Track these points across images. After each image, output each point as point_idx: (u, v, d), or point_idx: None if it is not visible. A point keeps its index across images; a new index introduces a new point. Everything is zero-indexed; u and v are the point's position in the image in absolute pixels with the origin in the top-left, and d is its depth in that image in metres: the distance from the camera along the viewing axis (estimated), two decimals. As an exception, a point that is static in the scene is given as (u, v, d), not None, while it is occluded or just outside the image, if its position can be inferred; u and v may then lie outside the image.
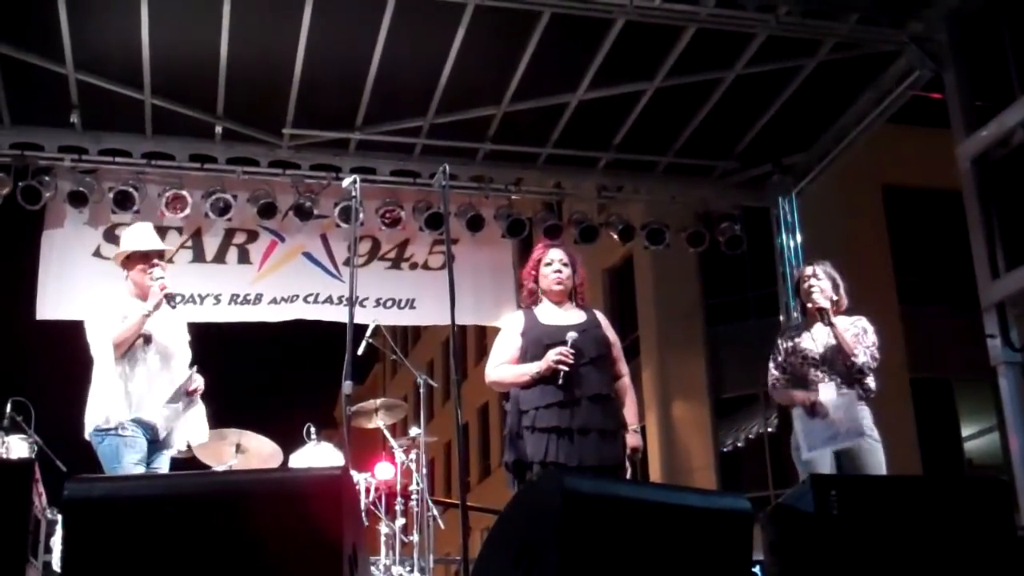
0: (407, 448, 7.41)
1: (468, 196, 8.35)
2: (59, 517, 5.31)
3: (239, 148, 7.82)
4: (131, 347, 5.08)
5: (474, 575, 3.79)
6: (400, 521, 7.23)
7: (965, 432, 17.52)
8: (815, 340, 5.33)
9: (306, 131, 7.74)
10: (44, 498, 4.09)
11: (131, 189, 7.61)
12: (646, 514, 3.36)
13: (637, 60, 7.20)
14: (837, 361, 5.24)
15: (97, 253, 7.79)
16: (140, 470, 4.97)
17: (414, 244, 8.54)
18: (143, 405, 5.05)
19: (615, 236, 8.67)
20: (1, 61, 6.85)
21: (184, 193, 7.74)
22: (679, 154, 8.30)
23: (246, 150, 7.85)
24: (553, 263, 4.87)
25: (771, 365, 5.49)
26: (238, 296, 8.19)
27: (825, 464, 5.16)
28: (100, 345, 5.10)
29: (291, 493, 3.19)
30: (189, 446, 5.47)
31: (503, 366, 4.79)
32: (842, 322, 5.32)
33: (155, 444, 5.14)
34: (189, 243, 8.13)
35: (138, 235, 5.41)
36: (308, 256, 8.36)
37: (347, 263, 7.71)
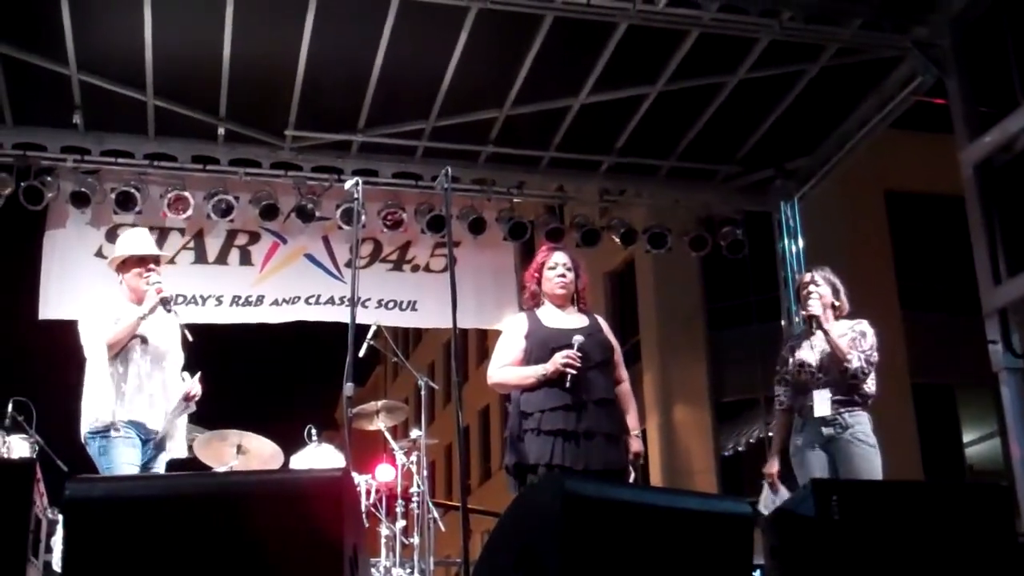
0: (408, 450, 7.42)
1: (470, 199, 8.35)
2: (60, 517, 5.31)
3: (241, 149, 7.83)
4: (124, 348, 5.09)
5: (474, 578, 3.78)
6: (401, 523, 7.23)
7: (966, 438, 17.52)
8: (813, 348, 5.38)
9: (308, 133, 7.75)
10: (45, 498, 4.09)
11: (133, 190, 7.62)
12: (647, 517, 3.36)
13: (640, 64, 7.20)
14: (833, 368, 5.26)
15: (99, 253, 7.79)
16: (134, 471, 4.97)
17: (416, 246, 8.54)
18: (135, 406, 5.05)
19: (617, 240, 8.67)
20: (4, 61, 6.85)
21: (186, 194, 7.74)
22: (681, 158, 8.30)
23: (248, 151, 7.86)
24: (557, 267, 4.87)
25: (776, 379, 5.57)
26: (240, 297, 8.19)
27: (819, 466, 5.19)
28: (93, 346, 5.11)
29: (292, 494, 3.19)
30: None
31: (507, 368, 4.79)
32: (841, 326, 5.34)
33: (150, 444, 5.14)
34: (191, 244, 8.13)
35: (134, 240, 5.41)
36: (310, 258, 8.36)
37: (349, 265, 7.71)
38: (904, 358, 15.88)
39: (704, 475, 17.58)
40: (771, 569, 3.93)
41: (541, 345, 4.70)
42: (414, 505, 7.24)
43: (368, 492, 7.25)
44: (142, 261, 5.29)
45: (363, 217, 5.74)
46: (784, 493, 5.27)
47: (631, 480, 4.77)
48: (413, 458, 7.34)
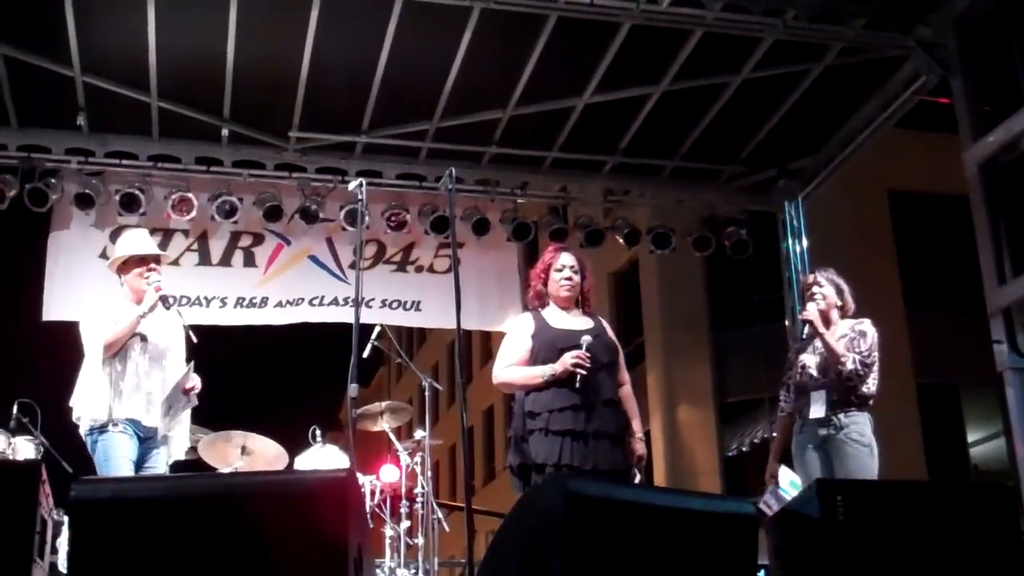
0: (412, 451, 7.42)
1: (474, 199, 8.35)
2: (65, 518, 5.32)
3: (245, 151, 7.83)
4: (123, 347, 5.10)
5: (479, 578, 3.79)
6: (405, 524, 7.24)
7: (971, 437, 17.50)
8: (815, 350, 5.38)
9: (312, 134, 7.75)
10: (50, 499, 4.10)
11: (137, 191, 7.63)
12: (651, 518, 3.36)
13: (643, 64, 7.20)
14: (830, 369, 5.27)
15: (103, 255, 7.78)
16: (130, 468, 4.98)
17: (419, 247, 8.54)
18: (132, 404, 5.06)
19: (621, 240, 8.67)
20: (8, 63, 6.86)
21: (190, 196, 7.75)
22: (685, 158, 8.29)
23: (252, 153, 7.86)
24: (564, 269, 4.87)
25: (782, 382, 5.60)
26: (244, 299, 8.20)
27: (815, 467, 5.21)
28: (91, 346, 5.12)
29: (296, 495, 3.19)
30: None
31: (513, 367, 4.78)
32: (842, 327, 5.36)
33: (148, 442, 5.14)
34: (195, 246, 8.14)
35: (134, 240, 5.42)
36: (314, 259, 8.36)
37: (352, 266, 7.71)
38: (908, 358, 15.87)
39: (708, 476, 17.57)
40: (775, 569, 3.93)
41: (548, 345, 4.69)
42: (418, 506, 7.25)
43: (372, 493, 7.26)
44: (143, 261, 5.30)
45: (367, 218, 5.75)
46: (785, 495, 5.28)
47: (637, 481, 4.78)
48: (417, 459, 7.35)
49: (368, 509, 7.03)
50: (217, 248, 8.20)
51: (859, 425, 5.20)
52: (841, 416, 5.20)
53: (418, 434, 7.46)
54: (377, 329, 7.57)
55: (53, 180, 7.54)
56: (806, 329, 5.40)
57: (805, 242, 8.53)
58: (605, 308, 18.43)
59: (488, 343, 23.20)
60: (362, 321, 5.01)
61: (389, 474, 7.54)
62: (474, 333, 24.50)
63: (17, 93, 7.18)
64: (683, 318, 18.53)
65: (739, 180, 8.63)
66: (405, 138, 7.87)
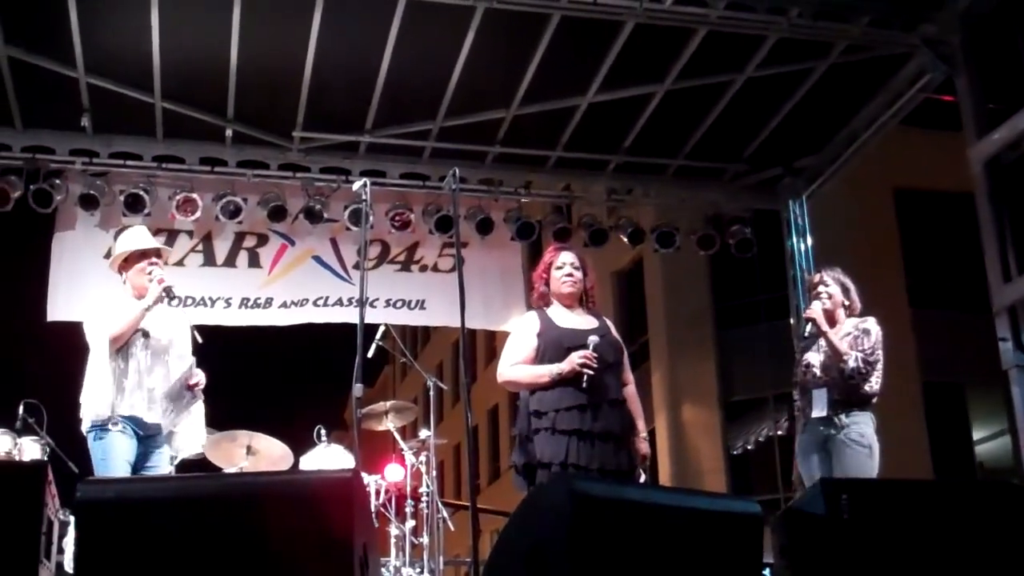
0: (417, 450, 7.43)
1: (477, 199, 8.35)
2: (71, 518, 5.33)
3: (249, 151, 7.84)
4: (127, 343, 5.09)
5: (484, 578, 3.79)
6: (410, 523, 7.25)
7: (976, 436, 17.45)
8: (819, 349, 5.38)
9: (316, 134, 7.75)
10: (57, 499, 4.11)
11: (142, 192, 7.64)
12: (656, 517, 3.36)
13: (647, 62, 7.19)
14: (833, 368, 5.26)
15: (108, 255, 7.77)
16: (127, 467, 4.96)
17: (424, 247, 8.54)
18: (134, 401, 5.04)
19: (625, 239, 8.66)
20: (13, 65, 6.87)
21: (194, 196, 7.76)
22: (689, 157, 8.29)
23: (256, 153, 7.87)
24: (564, 266, 4.87)
25: (793, 382, 5.61)
26: (248, 300, 8.21)
27: (817, 466, 5.21)
28: (96, 342, 5.10)
29: (302, 495, 3.19)
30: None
31: (519, 366, 4.77)
32: (847, 325, 5.35)
33: (150, 440, 5.12)
34: (199, 247, 8.15)
35: (133, 236, 5.40)
36: (318, 260, 8.37)
37: (357, 266, 7.72)
38: (913, 356, 15.83)
39: (713, 474, 17.55)
40: (781, 568, 3.93)
41: (555, 344, 4.68)
42: (423, 505, 7.26)
43: (377, 492, 7.27)
44: (143, 256, 5.27)
45: (371, 218, 5.74)
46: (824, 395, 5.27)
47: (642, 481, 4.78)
48: (422, 458, 7.36)
49: (373, 508, 7.04)
50: (222, 249, 8.21)
51: (860, 425, 5.19)
52: (842, 416, 5.19)
53: (423, 433, 7.47)
54: (382, 329, 7.57)
55: (57, 181, 7.56)
56: (809, 327, 5.41)
57: (809, 240, 8.53)
58: (609, 307, 18.42)
59: (492, 342, 23.20)
60: (367, 321, 4.99)
61: (394, 473, 7.55)
62: (479, 332, 24.53)
63: (22, 94, 7.19)
64: (687, 317, 18.51)
65: (743, 179, 8.62)
66: (409, 138, 7.88)
